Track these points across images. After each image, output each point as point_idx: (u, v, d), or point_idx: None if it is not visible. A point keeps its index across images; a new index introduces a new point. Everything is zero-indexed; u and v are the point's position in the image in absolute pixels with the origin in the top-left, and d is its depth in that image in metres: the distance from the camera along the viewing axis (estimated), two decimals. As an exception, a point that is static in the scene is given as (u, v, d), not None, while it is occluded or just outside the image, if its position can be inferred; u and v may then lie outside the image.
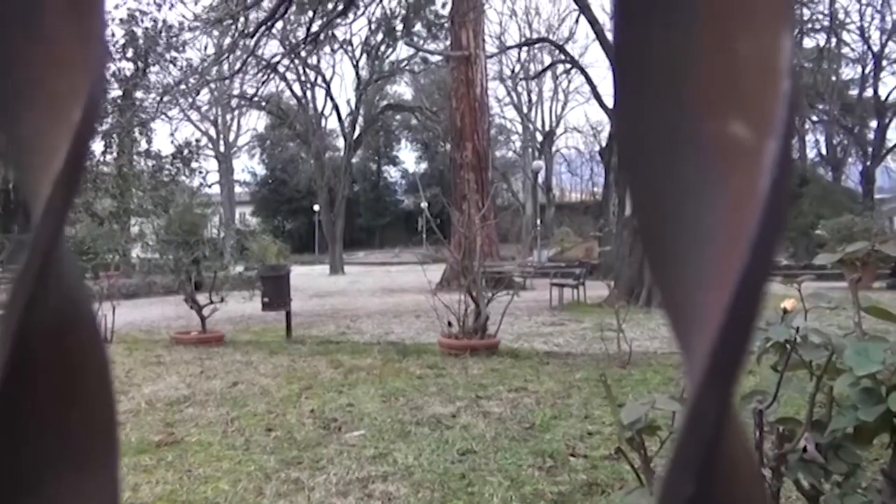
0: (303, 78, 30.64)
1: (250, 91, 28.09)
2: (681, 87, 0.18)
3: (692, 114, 0.18)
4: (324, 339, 7.95)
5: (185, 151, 23.91)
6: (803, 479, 1.44)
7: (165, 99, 16.51)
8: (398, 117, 43.21)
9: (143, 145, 23.51)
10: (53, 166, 0.23)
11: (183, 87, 15.80)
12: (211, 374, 5.73)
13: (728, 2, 0.17)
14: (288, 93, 32.15)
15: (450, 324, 6.75)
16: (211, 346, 7.33)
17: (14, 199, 29.54)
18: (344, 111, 32.48)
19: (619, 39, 0.19)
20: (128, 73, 21.80)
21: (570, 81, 41.07)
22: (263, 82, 21.38)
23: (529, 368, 5.68)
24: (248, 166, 48.09)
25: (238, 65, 18.90)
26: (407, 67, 31.49)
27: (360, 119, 32.60)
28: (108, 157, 22.80)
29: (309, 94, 31.87)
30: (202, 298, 7.81)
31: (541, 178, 39.01)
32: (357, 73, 30.77)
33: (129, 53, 21.59)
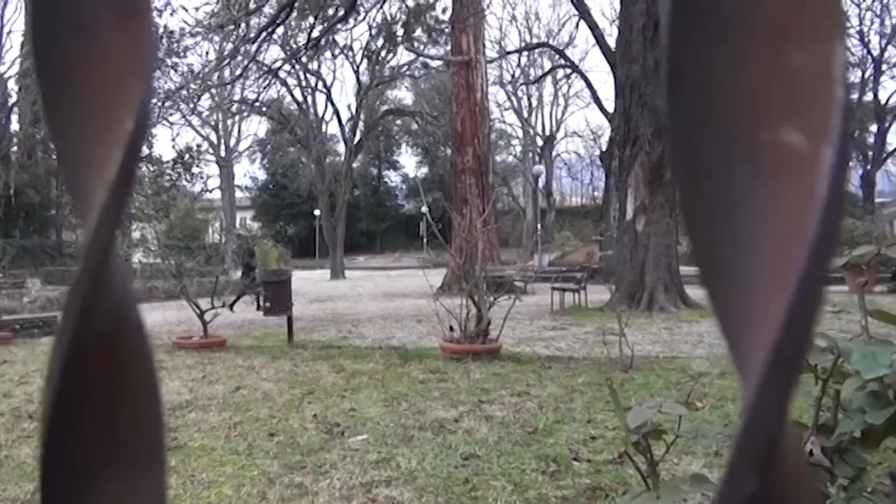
0: (303, 83, 30.72)
1: (251, 96, 28.13)
2: (736, 96, 0.18)
3: (747, 123, 0.18)
4: (325, 344, 7.95)
5: (186, 156, 23.98)
6: (810, 483, 1.43)
7: (167, 104, 16.54)
8: (398, 122, 43.30)
9: (144, 150, 23.56)
10: (107, 173, 0.23)
11: (185, 92, 15.83)
12: (213, 378, 5.72)
13: (782, 12, 0.17)
14: (289, 98, 32.24)
15: (451, 328, 6.75)
16: (213, 351, 7.32)
17: (15, 205, 29.54)
18: (344, 116, 32.53)
19: (673, 52, 0.19)
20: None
21: (570, 86, 41.18)
22: (265, 87, 21.40)
23: (531, 373, 5.67)
24: (248, 171, 48.15)
25: (239, 70, 18.94)
26: (407, 72, 31.55)
27: (361, 124, 32.64)
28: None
29: (309, 99, 31.95)
30: (204, 304, 7.82)
31: (541, 183, 39.02)
32: (358, 78, 30.83)
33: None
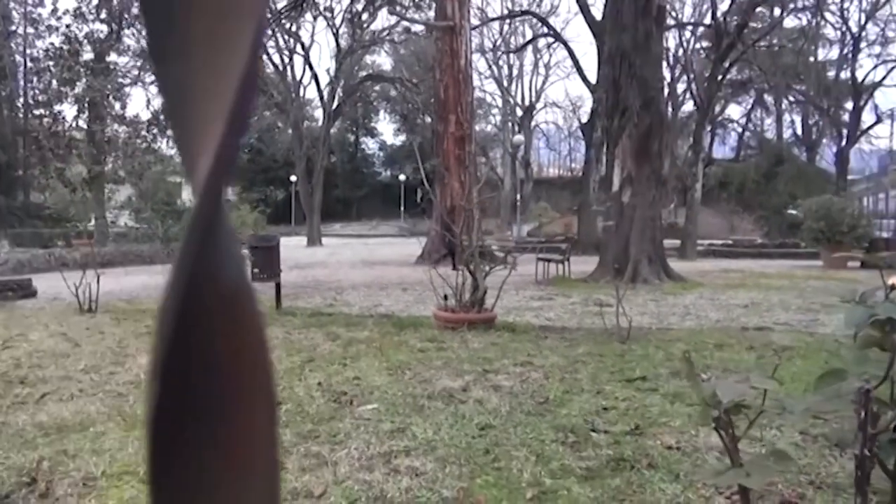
0: (281, 45, 30.01)
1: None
2: None
3: None
4: (315, 311, 7.85)
5: (162, 118, 23.26)
6: (890, 461, 1.41)
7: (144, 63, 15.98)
8: (377, 88, 42.65)
9: (118, 109, 22.80)
10: (217, 114, 0.23)
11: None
12: (206, 345, 5.60)
13: None
14: (265, 60, 31.46)
15: (445, 297, 6.69)
16: (201, 317, 7.17)
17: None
18: (323, 81, 31.92)
19: None
20: (101, 36, 21.07)
21: (551, 55, 40.89)
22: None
23: (529, 342, 5.65)
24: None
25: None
26: (388, 37, 30.99)
27: (340, 89, 32.06)
28: (81, 122, 22.11)
29: (287, 61, 31.24)
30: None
31: (519, 153, 38.92)
32: (337, 41, 30.19)
33: (103, 15, 20.85)
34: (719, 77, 21.85)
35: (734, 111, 43.19)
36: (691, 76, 25.30)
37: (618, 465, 2.80)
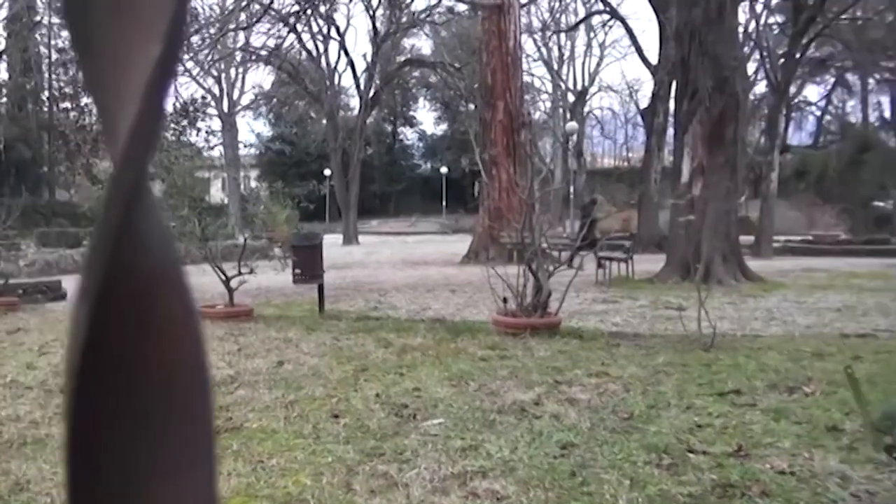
0: (315, 30, 30.24)
1: (257, 44, 27.70)
2: None
3: None
4: (360, 315, 7.85)
5: (191, 109, 23.67)
6: None
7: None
8: (416, 74, 42.67)
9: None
10: (133, 98, 0.24)
11: (196, 39, 15.53)
12: (250, 351, 5.63)
13: None
14: (298, 46, 31.76)
15: (505, 300, 6.60)
16: (241, 321, 7.24)
17: (5, 161, 29.58)
18: (359, 67, 32.05)
19: None
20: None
21: (606, 34, 40.33)
22: (283, 38, 20.94)
23: (601, 350, 5.53)
24: (253, 127, 47.81)
25: (244, 17, 18.55)
26: (428, 18, 30.95)
27: (377, 76, 32.14)
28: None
29: (321, 47, 31.47)
30: (230, 269, 7.71)
31: (571, 142, 38.48)
32: (374, 24, 30.30)
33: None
34: (797, 55, 21.20)
35: (812, 93, 42.03)
36: (764, 54, 24.61)
37: (725, 491, 2.67)
